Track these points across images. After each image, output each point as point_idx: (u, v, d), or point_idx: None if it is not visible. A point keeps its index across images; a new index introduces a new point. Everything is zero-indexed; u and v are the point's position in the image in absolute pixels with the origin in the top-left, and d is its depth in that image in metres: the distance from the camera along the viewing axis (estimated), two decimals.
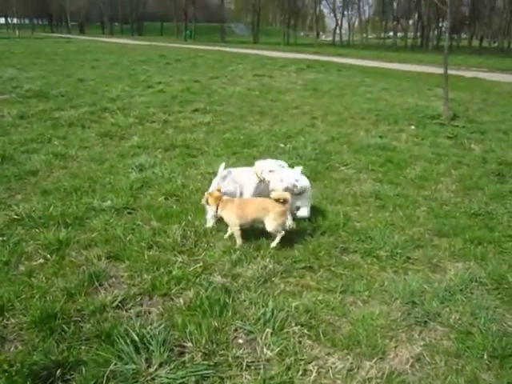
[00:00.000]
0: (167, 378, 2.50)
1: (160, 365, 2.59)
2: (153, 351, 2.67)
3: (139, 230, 4.27)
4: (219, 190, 4.27)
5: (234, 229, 4.12)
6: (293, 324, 3.04)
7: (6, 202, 4.93)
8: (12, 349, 2.76)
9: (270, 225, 4.03)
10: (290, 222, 4.31)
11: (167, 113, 10.04)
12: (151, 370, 2.56)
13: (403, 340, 2.98)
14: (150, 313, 3.13)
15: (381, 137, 8.39)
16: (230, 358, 2.71)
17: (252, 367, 2.67)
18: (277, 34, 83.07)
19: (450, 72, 10.63)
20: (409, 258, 3.99)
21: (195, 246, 4.05)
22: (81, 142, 7.43)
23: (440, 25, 65.21)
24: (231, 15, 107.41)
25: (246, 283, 3.50)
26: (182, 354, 2.73)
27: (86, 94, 12.16)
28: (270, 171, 4.46)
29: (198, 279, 3.52)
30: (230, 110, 10.64)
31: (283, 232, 4.08)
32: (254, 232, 4.22)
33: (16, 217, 4.48)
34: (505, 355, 2.78)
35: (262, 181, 4.50)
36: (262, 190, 4.50)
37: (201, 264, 3.72)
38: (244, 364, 2.68)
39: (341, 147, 7.63)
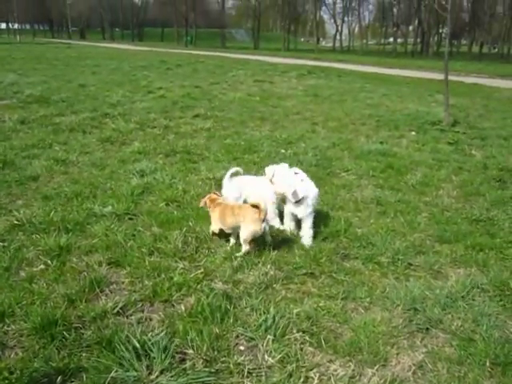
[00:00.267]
0: None
1: (161, 372, 2.58)
2: (154, 358, 2.66)
3: (140, 236, 4.26)
4: (215, 193, 4.36)
5: (211, 230, 4.26)
6: (294, 331, 3.03)
7: (6, 207, 4.93)
8: (12, 355, 2.75)
9: (243, 232, 4.02)
10: (266, 229, 4.18)
11: (168, 118, 10.05)
12: (152, 377, 2.55)
13: (405, 347, 2.97)
14: (151, 319, 3.12)
15: (381, 143, 8.39)
16: (231, 365, 2.70)
17: (253, 374, 2.66)
18: (277, 39, 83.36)
19: (450, 78, 10.65)
20: (410, 264, 3.98)
21: (196, 252, 4.04)
22: (82, 148, 7.43)
23: (440, 31, 65.45)
24: (232, 21, 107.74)
25: (247, 289, 3.49)
26: (183, 360, 2.72)
27: (87, 99, 12.18)
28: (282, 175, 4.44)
29: (199, 285, 3.51)
30: (230, 116, 10.65)
31: (248, 246, 4.03)
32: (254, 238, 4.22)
33: (17, 222, 4.48)
34: (507, 362, 2.77)
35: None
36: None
37: (202, 270, 3.71)
38: (245, 371, 2.67)
39: (342, 153, 7.63)
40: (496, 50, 62.49)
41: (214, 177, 6.01)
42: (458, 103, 13.13)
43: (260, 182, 4.70)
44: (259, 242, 4.16)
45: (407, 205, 5.32)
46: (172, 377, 2.55)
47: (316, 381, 2.63)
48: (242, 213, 4.07)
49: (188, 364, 2.68)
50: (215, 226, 4.26)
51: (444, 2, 11.41)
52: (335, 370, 2.72)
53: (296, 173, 4.48)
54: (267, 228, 4.19)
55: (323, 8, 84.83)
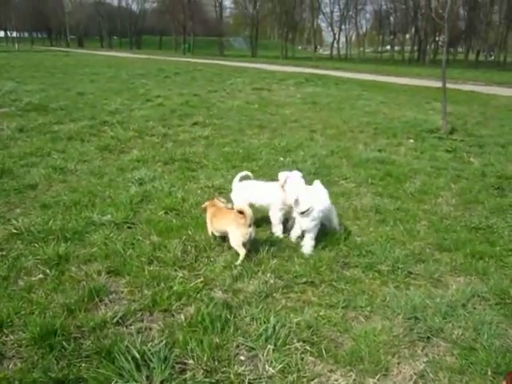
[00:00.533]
0: None
1: (161, 382, 2.57)
2: (154, 368, 2.64)
3: (139, 245, 4.24)
4: (218, 198, 4.45)
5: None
6: (295, 340, 3.01)
7: (5, 216, 4.91)
8: (11, 366, 2.73)
9: (230, 237, 4.10)
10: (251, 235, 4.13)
11: (166, 126, 10.05)
12: None
13: (406, 356, 2.95)
14: (150, 329, 3.10)
15: (380, 150, 8.40)
16: (231, 376, 2.68)
17: None
18: (275, 47, 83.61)
19: (447, 86, 10.68)
20: (410, 272, 3.97)
21: (196, 261, 4.03)
22: (80, 156, 7.42)
23: (436, 39, 65.74)
24: (230, 29, 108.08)
25: (247, 298, 3.48)
26: (183, 371, 2.70)
27: (86, 107, 12.18)
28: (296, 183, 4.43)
29: (198, 295, 3.49)
30: (229, 124, 10.66)
31: (243, 249, 4.03)
32: (254, 246, 4.21)
33: (15, 231, 4.46)
34: (508, 371, 2.75)
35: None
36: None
37: (201, 279, 3.70)
38: (246, 381, 2.65)
39: (340, 161, 7.64)
40: (492, 57, 62.79)
41: (213, 185, 6.01)
42: (456, 111, 13.17)
43: (268, 186, 4.71)
44: (260, 250, 4.16)
45: (406, 213, 5.31)
46: None
47: None
48: (228, 217, 4.11)
49: (188, 374, 2.66)
50: (208, 229, 4.37)
51: (441, 11, 11.48)
52: (336, 380, 2.71)
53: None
54: (253, 235, 4.13)
55: (320, 16, 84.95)
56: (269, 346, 2.92)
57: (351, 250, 4.33)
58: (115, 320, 3.13)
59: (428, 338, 3.12)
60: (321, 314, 3.32)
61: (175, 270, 3.84)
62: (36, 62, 32.79)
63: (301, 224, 4.37)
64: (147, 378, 2.58)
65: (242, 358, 2.88)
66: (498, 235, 4.78)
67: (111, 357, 2.71)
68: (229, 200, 4.67)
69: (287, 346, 2.95)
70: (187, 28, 78.55)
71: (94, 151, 7.81)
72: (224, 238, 4.28)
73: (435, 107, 14.00)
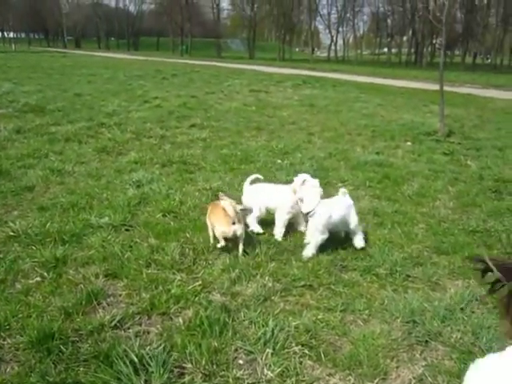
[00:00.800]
0: None
1: None
2: (152, 372, 2.63)
3: (137, 248, 4.23)
4: (221, 197, 4.40)
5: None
6: (293, 344, 3.01)
7: (2, 218, 4.90)
8: (8, 370, 2.71)
9: (215, 232, 4.19)
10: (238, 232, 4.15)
11: (164, 128, 10.04)
12: None
13: (405, 360, 2.95)
14: (148, 333, 3.09)
15: (377, 153, 8.41)
16: (230, 380, 2.68)
17: None
18: (272, 49, 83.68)
19: (444, 88, 10.69)
20: (408, 275, 3.97)
21: (194, 264, 4.02)
22: (77, 158, 7.40)
23: (434, 41, 65.89)
24: (227, 31, 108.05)
25: (245, 302, 3.47)
26: (181, 375, 2.70)
27: (83, 108, 12.16)
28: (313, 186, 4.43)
29: (197, 298, 3.48)
30: (226, 126, 10.66)
31: (223, 242, 4.14)
32: (252, 249, 4.22)
33: (12, 234, 4.44)
34: None
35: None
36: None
37: (200, 282, 3.69)
38: None
39: (338, 163, 7.64)
40: (489, 60, 62.97)
41: (211, 187, 5.99)
42: (453, 113, 13.19)
43: (279, 190, 4.73)
44: (258, 253, 4.17)
45: (404, 216, 5.31)
46: None
47: None
48: (216, 213, 4.16)
49: (187, 378, 2.66)
50: (208, 228, 4.38)
51: (439, 14, 11.52)
52: None
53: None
54: (238, 232, 4.13)
55: (318, 18, 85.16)
56: (267, 350, 2.91)
57: (349, 253, 4.33)
58: (113, 323, 3.12)
59: (426, 341, 3.12)
60: (319, 317, 3.32)
61: (173, 273, 3.83)
62: (33, 62, 32.72)
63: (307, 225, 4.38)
64: (145, 382, 2.58)
65: (241, 361, 2.87)
66: (495, 239, 4.78)
67: (109, 361, 2.70)
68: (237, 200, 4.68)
69: (286, 350, 2.95)
70: (185, 29, 78.51)
71: (91, 153, 7.79)
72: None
73: (432, 110, 14.02)
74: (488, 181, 6.80)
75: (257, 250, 4.23)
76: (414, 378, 2.79)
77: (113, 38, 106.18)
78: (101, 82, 19.48)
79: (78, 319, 3.15)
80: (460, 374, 2.78)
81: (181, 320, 3.20)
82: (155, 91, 16.62)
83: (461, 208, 5.69)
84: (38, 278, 3.68)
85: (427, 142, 9.48)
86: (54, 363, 2.72)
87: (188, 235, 4.51)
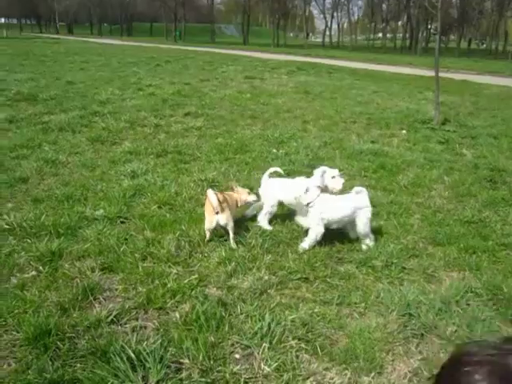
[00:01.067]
0: None
1: (157, 383, 2.56)
2: (149, 368, 2.63)
3: (133, 241, 4.22)
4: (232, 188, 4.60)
5: None
6: (290, 338, 3.02)
7: None
8: (5, 366, 2.71)
9: None
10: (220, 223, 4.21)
11: (158, 117, 9.97)
12: None
13: (400, 353, 2.97)
14: (145, 328, 3.10)
15: (373, 142, 8.41)
16: (227, 375, 2.69)
17: (250, 383, 2.65)
18: (266, 34, 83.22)
19: (439, 75, 10.65)
20: (404, 268, 3.98)
21: (190, 257, 4.02)
22: (71, 148, 7.35)
23: (429, 27, 65.65)
24: (221, 16, 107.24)
25: (241, 296, 3.48)
26: (179, 370, 2.70)
27: (76, 97, 12.04)
28: (333, 177, 4.39)
29: (193, 292, 3.49)
30: (221, 114, 10.60)
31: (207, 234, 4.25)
32: (248, 242, 4.22)
33: (7, 226, 4.41)
34: None
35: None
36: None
37: (196, 276, 3.69)
38: (242, 380, 2.66)
39: (333, 152, 7.63)
40: (484, 45, 62.82)
41: (206, 178, 5.96)
42: (448, 101, 13.17)
43: (298, 184, 4.55)
44: (254, 245, 4.17)
45: (400, 206, 5.32)
46: None
47: None
48: (206, 203, 4.24)
49: (184, 374, 2.66)
50: None
51: (434, 0, 11.44)
52: (332, 379, 2.72)
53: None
54: (222, 222, 4.17)
55: (312, 3, 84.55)
56: (264, 344, 2.92)
57: (345, 245, 4.33)
58: (110, 319, 3.11)
59: (422, 334, 3.13)
60: (315, 310, 3.33)
61: (169, 267, 3.82)
62: (25, 49, 32.28)
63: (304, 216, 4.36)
64: (143, 378, 2.58)
65: (238, 356, 2.88)
66: (490, 229, 4.80)
67: (106, 357, 2.70)
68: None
69: (282, 344, 2.96)
70: (178, 15, 77.77)
71: (85, 142, 7.73)
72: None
73: (427, 97, 14.01)
74: (483, 170, 6.81)
75: (253, 242, 4.22)
76: (410, 371, 2.81)
77: (105, 24, 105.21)
78: (94, 69, 19.28)
79: (75, 315, 3.15)
80: None
81: (177, 315, 3.20)
82: (149, 78, 16.47)
83: (456, 198, 5.70)
84: (34, 272, 3.66)
85: (422, 131, 9.48)
86: (51, 360, 2.71)
87: (184, 227, 4.50)
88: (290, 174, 6.29)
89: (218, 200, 4.13)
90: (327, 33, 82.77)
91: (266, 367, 2.76)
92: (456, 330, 3.15)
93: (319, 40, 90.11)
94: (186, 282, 3.60)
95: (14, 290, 3.40)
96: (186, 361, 2.76)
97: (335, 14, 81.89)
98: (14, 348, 2.84)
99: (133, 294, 3.44)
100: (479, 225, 4.91)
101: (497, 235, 4.66)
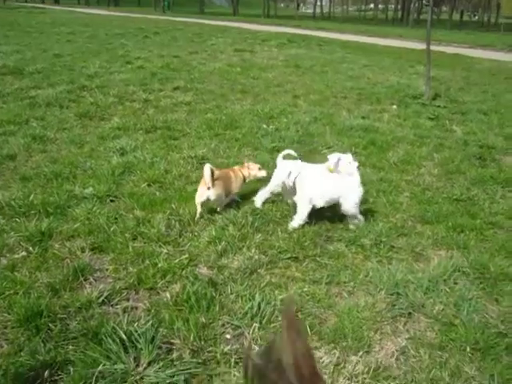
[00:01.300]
0: (156, 378, 2.50)
1: (149, 363, 2.59)
2: (141, 349, 2.66)
3: (123, 220, 4.21)
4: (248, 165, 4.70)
5: None
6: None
7: None
8: None
9: None
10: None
11: (147, 91, 9.85)
12: (140, 369, 2.55)
13: (388, 332, 3.02)
14: (136, 308, 3.12)
15: (363, 117, 8.38)
16: (218, 355, 2.72)
17: (240, 363, 2.68)
18: (257, 5, 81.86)
19: (431, 48, 10.54)
20: (393, 246, 4.02)
21: (180, 236, 4.02)
22: (59, 124, 7.26)
23: None
24: None
25: (232, 275, 3.50)
26: (170, 351, 2.73)
27: (63, 70, 11.83)
28: (350, 162, 4.34)
29: (184, 272, 3.50)
30: (211, 88, 10.50)
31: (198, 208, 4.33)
32: (238, 221, 4.23)
33: None
34: (486, 347, 2.84)
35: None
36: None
37: (186, 255, 3.70)
38: (232, 360, 2.69)
39: (324, 128, 7.60)
40: (476, 18, 62.39)
41: (196, 155, 5.92)
42: (439, 75, 13.12)
43: (310, 169, 4.46)
44: (244, 224, 4.18)
45: (389, 184, 5.34)
46: (160, 368, 2.56)
47: None
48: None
49: (175, 355, 2.70)
50: None
51: None
52: (321, 358, 2.76)
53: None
54: (212, 197, 4.26)
55: None
56: (254, 324, 2.96)
57: (334, 223, 4.36)
58: (101, 299, 3.12)
59: (409, 313, 3.19)
60: (305, 289, 3.36)
61: (160, 246, 3.83)
62: (9, 19, 31.48)
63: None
64: (135, 359, 2.60)
65: (228, 336, 2.92)
66: (478, 207, 4.85)
67: (98, 338, 2.72)
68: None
69: (272, 324, 2.99)
70: None
71: (73, 118, 7.64)
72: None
73: (418, 71, 13.93)
74: (473, 147, 6.83)
75: (243, 221, 4.23)
76: (397, 350, 2.87)
77: None
78: (81, 41, 18.92)
79: (66, 296, 3.16)
80: (441, 346, 2.87)
81: (168, 295, 3.22)
82: (137, 51, 16.20)
83: (445, 175, 5.73)
84: (24, 253, 3.65)
85: (413, 106, 9.46)
86: (43, 341, 2.73)
87: (174, 206, 4.49)
88: (279, 150, 6.30)
89: (212, 176, 4.18)
90: (318, 3, 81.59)
91: (256, 347, 2.80)
92: (443, 309, 3.20)
93: (310, 11, 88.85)
94: (176, 261, 3.61)
95: (4, 271, 3.39)
96: (177, 341, 2.79)
97: None
98: (5, 330, 2.85)
99: (123, 275, 3.45)
100: (468, 203, 4.95)
101: (485, 213, 4.71)
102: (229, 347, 2.80)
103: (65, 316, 2.96)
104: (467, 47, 25.01)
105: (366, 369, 2.67)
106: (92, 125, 7.38)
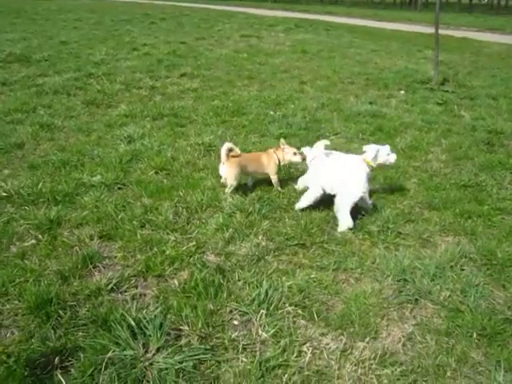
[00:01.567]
0: (165, 364, 2.53)
1: (157, 350, 2.62)
2: (150, 336, 2.69)
3: (130, 208, 4.24)
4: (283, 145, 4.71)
5: None
6: (287, 304, 3.08)
7: None
8: (8, 335, 2.77)
9: None
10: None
11: (154, 78, 9.85)
12: (149, 355, 2.59)
13: (395, 319, 3.04)
14: (145, 295, 3.15)
15: (371, 103, 8.33)
16: (226, 341, 2.75)
17: (248, 350, 2.72)
18: None
19: (439, 32, 10.42)
20: (400, 233, 4.02)
21: (188, 224, 4.05)
22: (67, 111, 7.29)
23: None
24: None
25: (239, 262, 3.52)
26: (178, 337, 2.76)
27: (70, 57, 11.84)
28: (388, 154, 4.34)
29: (191, 259, 3.53)
30: (217, 75, 10.47)
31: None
32: (245, 208, 4.24)
33: (4, 194, 4.42)
34: (493, 333, 2.85)
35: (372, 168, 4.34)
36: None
37: (194, 243, 3.73)
38: (240, 347, 2.72)
39: (331, 114, 7.57)
40: (486, 0, 61.46)
41: (203, 142, 5.93)
42: (447, 60, 12.98)
43: (351, 160, 4.37)
44: (251, 211, 4.20)
45: (397, 170, 5.31)
46: (168, 354, 2.60)
47: (309, 355, 2.69)
48: None
49: (183, 341, 2.73)
50: None
51: None
52: (327, 344, 2.79)
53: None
54: (222, 173, 4.51)
55: None
56: (262, 311, 2.98)
57: None
58: (110, 287, 3.16)
59: (416, 300, 3.19)
60: (312, 276, 3.38)
61: (167, 234, 3.85)
62: (16, 6, 31.39)
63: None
64: (143, 345, 2.64)
65: (236, 322, 2.94)
66: (486, 193, 4.82)
67: (107, 325, 2.76)
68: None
69: (279, 311, 3.02)
70: None
71: (80, 106, 7.68)
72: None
73: (427, 55, 13.81)
74: (481, 132, 6.78)
75: (250, 209, 4.24)
76: (404, 336, 2.88)
77: None
78: (87, 28, 18.89)
79: (75, 283, 3.19)
80: (448, 332, 2.88)
81: (176, 282, 3.25)
82: (143, 37, 16.17)
83: (453, 161, 5.70)
84: (33, 241, 3.69)
85: (421, 91, 9.38)
86: (53, 328, 2.77)
87: (181, 194, 4.51)
88: (287, 137, 6.29)
89: (227, 154, 4.40)
90: None
91: (263, 333, 2.83)
92: (450, 295, 3.21)
93: None
94: (184, 249, 3.64)
95: (14, 259, 3.44)
96: (186, 328, 2.82)
97: None
98: (16, 317, 2.90)
99: (132, 262, 3.48)
100: (475, 189, 4.92)
101: (492, 200, 4.68)
102: (236, 333, 2.83)
103: (74, 303, 3.00)
104: (476, 31, 24.67)
105: (373, 355, 2.69)
106: (99, 112, 7.39)
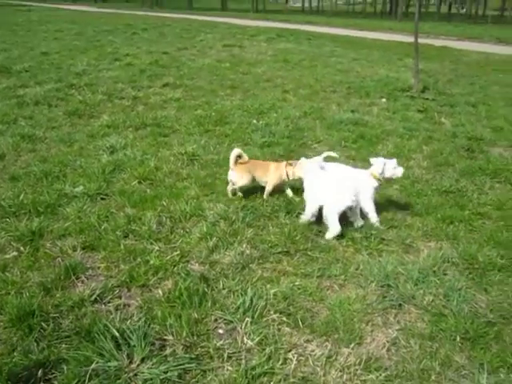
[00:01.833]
0: (150, 374, 2.51)
1: (142, 360, 2.60)
2: (134, 346, 2.67)
3: (114, 218, 4.21)
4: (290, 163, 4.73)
5: None
6: (272, 312, 3.08)
7: None
8: None
9: None
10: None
11: (136, 88, 9.83)
12: (133, 366, 2.57)
13: (379, 324, 3.05)
14: (129, 306, 3.13)
15: (353, 111, 8.41)
16: (211, 350, 2.74)
17: (233, 358, 2.71)
18: None
19: (419, 41, 10.58)
20: (383, 239, 4.05)
21: (171, 233, 4.04)
22: (48, 122, 7.24)
23: None
24: None
25: (223, 271, 3.52)
26: (163, 347, 2.75)
27: (51, 68, 11.78)
28: (395, 168, 4.34)
29: (175, 268, 3.52)
30: (200, 84, 10.49)
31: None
32: (229, 216, 4.24)
33: None
34: (476, 336, 2.88)
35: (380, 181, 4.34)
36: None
37: (178, 252, 3.72)
38: (225, 355, 2.71)
39: (313, 123, 7.62)
40: (464, 10, 62.51)
41: (186, 151, 5.92)
42: (427, 68, 13.16)
43: (357, 174, 4.40)
44: (235, 220, 4.20)
45: None
46: (153, 365, 2.58)
47: (294, 362, 2.69)
48: None
49: (168, 351, 2.71)
50: None
51: None
52: (313, 351, 2.79)
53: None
54: (231, 178, 4.69)
55: None
56: (246, 319, 2.97)
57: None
58: (93, 298, 3.13)
59: (400, 305, 3.22)
60: (296, 283, 3.39)
61: (151, 243, 3.84)
62: None
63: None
64: (128, 356, 2.61)
65: (221, 331, 2.93)
66: (467, 199, 4.89)
67: (91, 336, 2.73)
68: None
69: (264, 318, 3.02)
70: None
71: (62, 116, 7.63)
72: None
73: (407, 64, 13.97)
74: (461, 139, 6.88)
75: (234, 217, 4.24)
76: (388, 341, 2.90)
77: None
78: (68, 39, 18.80)
79: (58, 294, 3.16)
80: (432, 336, 2.91)
81: (160, 292, 3.24)
82: (126, 47, 16.14)
83: (434, 168, 5.77)
84: (15, 253, 3.65)
85: (402, 99, 9.49)
86: (36, 340, 2.74)
87: (164, 203, 4.50)
88: (270, 145, 6.32)
89: (236, 160, 4.61)
90: None
91: (248, 341, 2.82)
92: (433, 300, 3.24)
93: (299, 5, 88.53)
94: (168, 258, 3.63)
95: None
96: (170, 337, 2.80)
97: None
98: None
99: (115, 272, 3.46)
100: (456, 194, 4.99)
101: (473, 204, 4.75)
102: (221, 342, 2.82)
103: (57, 315, 2.96)
104: (455, 39, 25.06)
105: (358, 360, 2.70)
106: (81, 123, 7.36)
